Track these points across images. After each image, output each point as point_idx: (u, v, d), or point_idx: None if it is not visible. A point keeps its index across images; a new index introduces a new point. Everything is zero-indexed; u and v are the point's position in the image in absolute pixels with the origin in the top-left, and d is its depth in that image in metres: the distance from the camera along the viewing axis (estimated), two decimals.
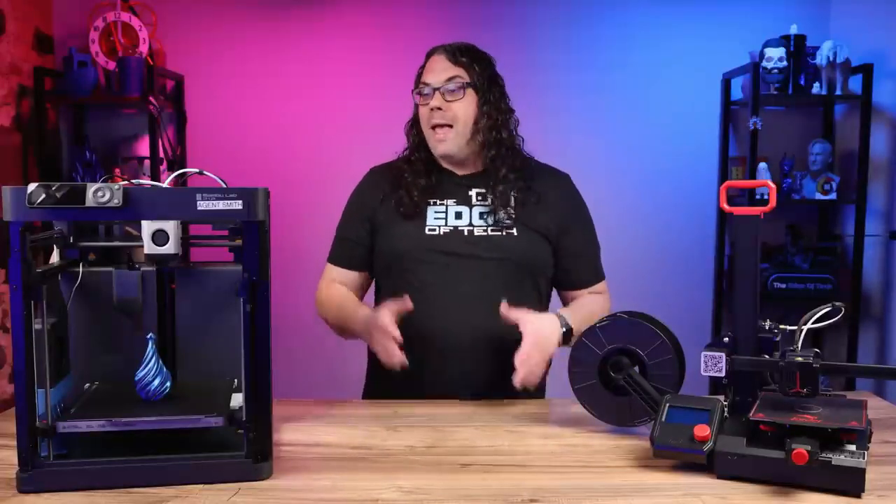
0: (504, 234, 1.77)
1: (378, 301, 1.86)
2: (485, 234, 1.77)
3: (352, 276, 1.89)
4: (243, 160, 3.48)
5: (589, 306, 1.82)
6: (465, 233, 1.77)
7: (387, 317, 1.63)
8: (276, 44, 3.61)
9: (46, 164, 3.41)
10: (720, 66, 3.57)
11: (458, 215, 1.80)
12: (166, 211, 1.16)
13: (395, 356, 1.61)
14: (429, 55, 1.85)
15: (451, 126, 1.78)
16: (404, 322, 1.67)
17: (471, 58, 1.80)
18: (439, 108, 1.77)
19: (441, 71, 1.79)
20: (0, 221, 1.12)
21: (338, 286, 1.87)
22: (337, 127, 3.62)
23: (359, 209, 1.89)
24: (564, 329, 1.67)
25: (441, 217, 1.80)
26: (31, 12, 3.40)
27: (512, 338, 1.62)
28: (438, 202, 1.82)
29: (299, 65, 3.62)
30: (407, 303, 1.66)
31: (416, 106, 1.85)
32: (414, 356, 1.65)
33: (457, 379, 1.74)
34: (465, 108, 1.78)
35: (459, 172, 1.85)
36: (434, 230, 1.78)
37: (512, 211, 1.78)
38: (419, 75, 1.84)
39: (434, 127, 1.79)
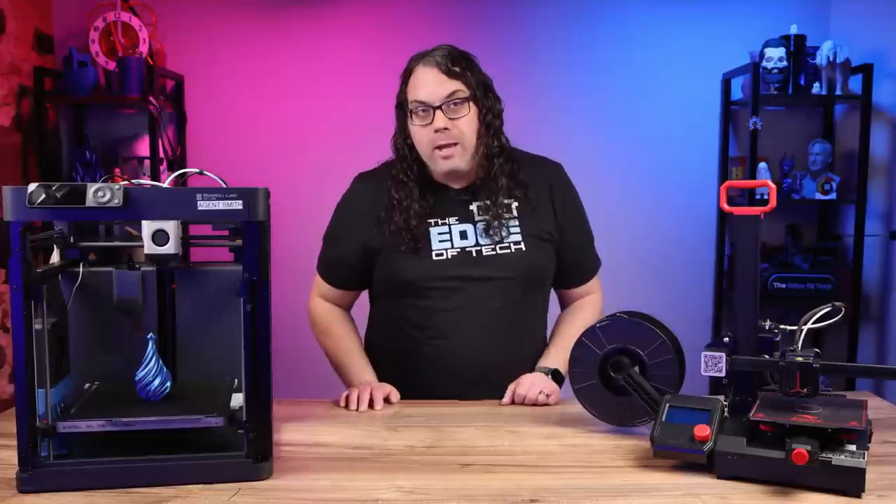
0: (513, 250, 1.69)
1: (373, 310, 1.84)
2: (493, 252, 1.68)
3: (342, 294, 1.82)
4: (243, 160, 3.48)
5: (570, 334, 1.70)
6: (473, 254, 1.68)
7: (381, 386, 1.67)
8: (276, 44, 3.61)
9: (46, 164, 3.41)
10: (720, 66, 3.57)
11: (463, 235, 1.70)
12: (166, 211, 1.16)
13: (364, 403, 1.61)
14: (411, 68, 1.68)
15: (456, 144, 1.65)
16: (414, 347, 1.71)
17: (462, 66, 1.66)
18: (445, 129, 1.64)
19: (437, 86, 1.64)
20: (0, 221, 1.12)
21: (331, 312, 1.82)
22: (337, 127, 3.62)
23: (352, 230, 1.76)
24: (550, 373, 1.72)
25: (446, 239, 1.70)
26: (31, 12, 3.40)
27: (526, 361, 1.72)
28: (440, 222, 1.71)
29: (299, 65, 3.62)
30: (395, 395, 1.66)
31: (404, 121, 1.71)
32: (424, 379, 1.70)
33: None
34: (469, 124, 1.66)
35: (455, 185, 1.75)
36: (441, 255, 1.69)
37: (516, 222, 1.71)
38: (404, 92, 1.69)
39: (439, 147, 1.66)
